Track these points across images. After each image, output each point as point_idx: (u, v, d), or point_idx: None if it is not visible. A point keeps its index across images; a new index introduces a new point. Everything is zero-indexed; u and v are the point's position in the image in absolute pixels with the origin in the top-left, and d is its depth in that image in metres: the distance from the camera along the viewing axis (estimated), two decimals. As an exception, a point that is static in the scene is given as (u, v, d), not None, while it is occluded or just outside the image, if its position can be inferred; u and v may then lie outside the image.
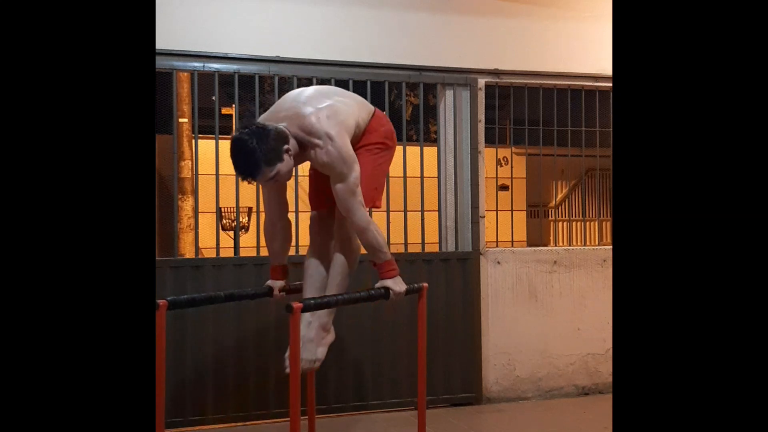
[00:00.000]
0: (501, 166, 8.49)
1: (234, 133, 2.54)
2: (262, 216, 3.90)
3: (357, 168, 2.64)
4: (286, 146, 2.55)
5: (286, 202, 2.92)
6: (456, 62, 4.13)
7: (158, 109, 3.40)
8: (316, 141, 2.60)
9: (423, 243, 4.16)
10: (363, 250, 2.81)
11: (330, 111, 2.65)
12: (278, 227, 2.92)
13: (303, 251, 3.89)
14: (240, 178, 2.58)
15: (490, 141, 4.37)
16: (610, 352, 4.29)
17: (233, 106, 4.19)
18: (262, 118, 2.73)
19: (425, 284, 2.88)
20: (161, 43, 3.50)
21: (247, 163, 2.50)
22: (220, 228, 7.02)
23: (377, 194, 2.90)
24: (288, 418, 2.39)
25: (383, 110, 4.20)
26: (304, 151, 2.66)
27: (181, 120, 7.15)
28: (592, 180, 7.98)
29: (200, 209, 4.27)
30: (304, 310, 2.38)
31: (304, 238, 3.88)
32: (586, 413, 3.94)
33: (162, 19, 3.47)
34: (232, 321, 3.70)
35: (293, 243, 3.83)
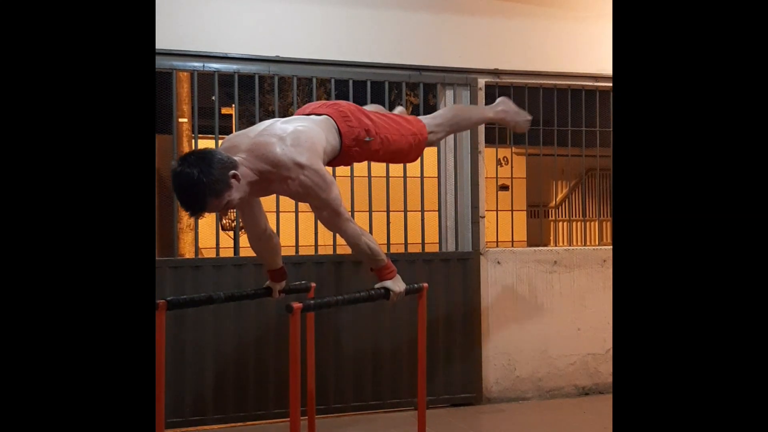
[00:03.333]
0: (501, 166, 8.49)
1: (173, 166, 2.33)
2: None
3: (335, 188, 2.51)
4: (232, 172, 2.35)
5: (263, 215, 2.84)
6: (456, 62, 4.13)
7: (158, 109, 3.41)
8: (285, 173, 2.43)
9: (423, 243, 4.16)
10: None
11: (293, 138, 2.46)
12: (262, 240, 2.87)
13: (303, 251, 3.90)
14: (188, 215, 2.40)
15: (490, 141, 4.37)
16: (610, 352, 4.29)
17: (233, 106, 4.18)
18: (225, 149, 2.50)
19: (425, 284, 2.88)
20: (161, 43, 3.50)
21: (193, 198, 2.30)
22: (220, 228, 7.00)
23: (417, 132, 2.91)
24: (288, 419, 2.39)
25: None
26: (268, 183, 2.49)
27: (180, 120, 7.16)
28: (592, 180, 7.98)
29: (200, 209, 4.26)
30: (304, 310, 2.37)
31: (304, 238, 3.89)
32: (586, 413, 3.94)
33: (162, 19, 3.47)
34: (232, 321, 3.70)
35: (292, 243, 3.84)
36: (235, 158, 2.42)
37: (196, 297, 2.95)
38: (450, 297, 4.05)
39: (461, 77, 4.14)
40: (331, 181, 2.50)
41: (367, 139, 2.72)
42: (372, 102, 3.89)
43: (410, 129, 2.92)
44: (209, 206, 2.34)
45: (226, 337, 3.70)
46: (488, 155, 4.30)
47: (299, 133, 2.48)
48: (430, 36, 4.11)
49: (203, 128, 5.05)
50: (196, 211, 2.36)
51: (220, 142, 3.76)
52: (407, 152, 2.93)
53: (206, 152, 2.37)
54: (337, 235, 2.78)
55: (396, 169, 3.97)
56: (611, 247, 4.31)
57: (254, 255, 3.81)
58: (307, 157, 2.44)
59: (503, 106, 3.25)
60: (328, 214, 2.53)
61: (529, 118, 3.26)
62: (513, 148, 9.51)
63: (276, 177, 2.45)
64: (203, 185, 2.27)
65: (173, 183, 2.32)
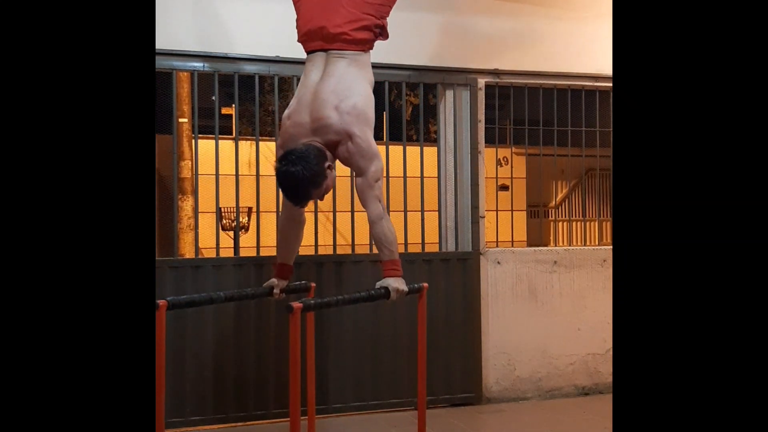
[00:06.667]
0: (501, 166, 8.49)
1: (276, 165, 2.62)
2: (262, 216, 3.92)
3: (377, 162, 2.70)
4: (327, 163, 2.63)
5: None
6: (456, 62, 4.13)
7: (158, 109, 3.41)
8: (337, 138, 2.68)
9: (423, 243, 4.16)
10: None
11: (350, 106, 2.70)
12: (295, 222, 2.95)
13: (303, 251, 3.89)
14: (292, 203, 2.70)
15: (490, 141, 4.37)
16: (610, 352, 4.29)
17: (233, 106, 4.19)
18: (291, 126, 2.74)
19: (425, 284, 2.88)
20: (161, 43, 3.49)
21: (298, 192, 2.60)
22: (220, 228, 7.01)
23: None
24: (288, 419, 2.39)
25: (383, 110, 4.21)
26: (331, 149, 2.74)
27: (181, 120, 7.15)
28: (592, 180, 7.98)
29: (200, 209, 4.27)
30: (304, 310, 2.38)
31: (305, 238, 3.87)
32: (586, 413, 3.94)
33: (162, 19, 3.47)
34: (232, 321, 3.70)
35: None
36: (319, 145, 2.66)
37: (196, 297, 2.95)
38: (450, 297, 4.05)
39: (461, 77, 4.14)
40: (375, 153, 2.71)
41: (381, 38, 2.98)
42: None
43: None
44: (312, 197, 2.66)
45: (226, 337, 3.70)
46: (488, 155, 4.30)
47: (354, 102, 2.71)
48: (430, 36, 4.11)
49: (203, 128, 5.06)
50: (300, 203, 2.68)
51: (220, 142, 3.78)
52: None
53: (304, 149, 2.61)
54: (337, 236, 2.80)
55: (396, 169, 3.97)
56: (611, 247, 4.31)
57: (254, 255, 3.84)
58: (359, 128, 2.69)
59: None
60: (361, 182, 2.71)
61: None
62: (513, 148, 9.51)
63: (334, 143, 2.70)
64: (307, 180, 2.56)
65: (279, 180, 2.60)
